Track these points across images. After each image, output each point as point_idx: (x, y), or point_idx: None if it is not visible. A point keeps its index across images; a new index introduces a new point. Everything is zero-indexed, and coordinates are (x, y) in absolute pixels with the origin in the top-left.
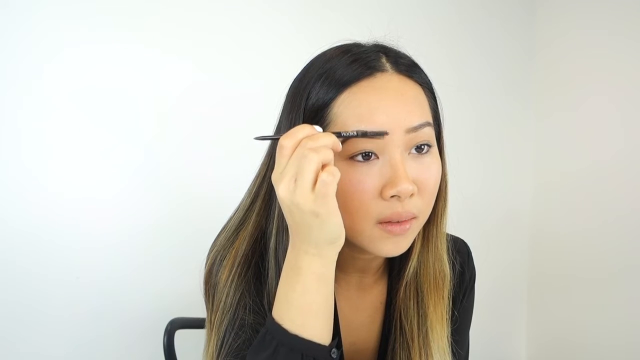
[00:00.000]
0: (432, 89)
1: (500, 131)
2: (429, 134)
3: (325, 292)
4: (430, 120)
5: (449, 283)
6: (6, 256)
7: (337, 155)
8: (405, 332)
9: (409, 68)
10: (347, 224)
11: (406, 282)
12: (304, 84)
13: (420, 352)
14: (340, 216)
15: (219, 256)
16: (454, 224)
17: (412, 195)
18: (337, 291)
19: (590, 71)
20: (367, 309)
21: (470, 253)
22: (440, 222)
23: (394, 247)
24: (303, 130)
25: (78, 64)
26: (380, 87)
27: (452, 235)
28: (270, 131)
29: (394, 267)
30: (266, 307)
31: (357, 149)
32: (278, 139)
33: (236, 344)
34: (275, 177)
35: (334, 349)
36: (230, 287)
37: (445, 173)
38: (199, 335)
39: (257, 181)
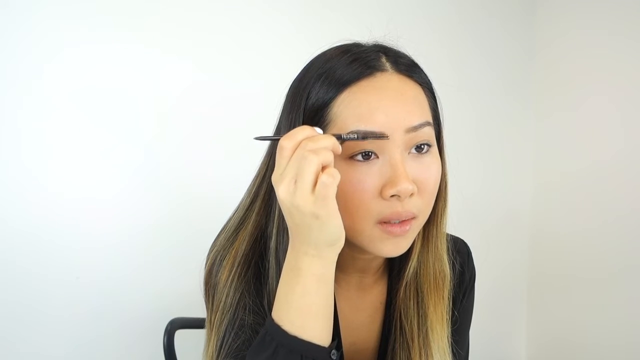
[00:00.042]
0: (432, 88)
1: (500, 131)
2: (428, 133)
3: (325, 293)
4: (430, 120)
5: (449, 283)
6: (6, 256)
7: (337, 154)
8: (405, 332)
9: (408, 68)
10: (347, 224)
11: (406, 282)
12: (303, 83)
13: (420, 352)
14: (340, 218)
15: (218, 256)
16: (454, 224)
17: (412, 194)
18: (337, 291)
19: (590, 71)
20: (367, 309)
21: (470, 253)
22: (440, 222)
23: (394, 247)
24: (303, 131)
25: (78, 64)
26: (380, 87)
27: (452, 235)
28: (270, 131)
29: (394, 267)
30: (266, 307)
31: (357, 148)
32: (278, 139)
33: (236, 344)
34: (275, 178)
35: (333, 350)
36: (230, 287)
37: (445, 173)
38: (199, 335)
39: (257, 181)
